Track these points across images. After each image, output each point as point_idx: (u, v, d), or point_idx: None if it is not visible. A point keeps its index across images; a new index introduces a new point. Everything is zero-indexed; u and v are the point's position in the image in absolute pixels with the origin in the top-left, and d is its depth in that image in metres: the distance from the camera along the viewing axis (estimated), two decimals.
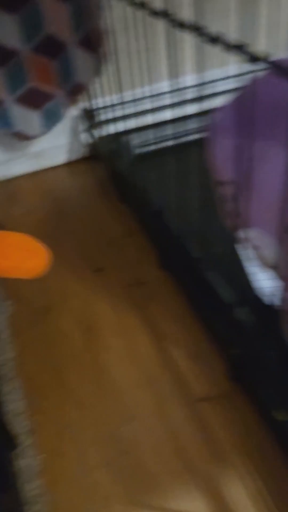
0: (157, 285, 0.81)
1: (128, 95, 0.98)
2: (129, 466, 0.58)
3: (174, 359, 0.68)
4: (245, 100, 0.48)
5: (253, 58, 0.35)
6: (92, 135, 1.09)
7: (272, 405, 0.53)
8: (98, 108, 1.05)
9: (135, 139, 1.03)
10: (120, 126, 0.98)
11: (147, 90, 1.06)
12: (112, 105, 0.97)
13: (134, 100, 0.95)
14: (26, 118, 0.96)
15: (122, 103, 0.87)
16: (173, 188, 0.76)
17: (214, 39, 0.40)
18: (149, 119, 0.97)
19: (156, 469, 0.57)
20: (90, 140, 1.12)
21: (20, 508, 0.48)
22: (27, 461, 0.59)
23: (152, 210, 0.79)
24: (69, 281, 0.83)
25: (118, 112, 0.98)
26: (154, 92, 1.06)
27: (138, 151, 1.03)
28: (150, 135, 1.03)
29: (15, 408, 0.64)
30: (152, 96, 1.01)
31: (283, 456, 0.56)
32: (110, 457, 0.59)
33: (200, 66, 0.80)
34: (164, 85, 1.06)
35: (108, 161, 1.02)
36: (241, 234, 0.48)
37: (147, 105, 1.03)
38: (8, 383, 0.67)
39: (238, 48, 0.36)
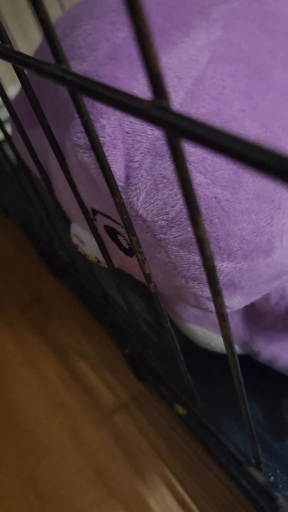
0: (54, 297, 0.74)
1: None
2: (56, 509, 0.52)
3: (81, 375, 0.63)
4: (20, 95, 0.42)
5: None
6: None
7: (173, 400, 0.48)
8: None
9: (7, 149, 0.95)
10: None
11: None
12: None
13: None
14: None
15: None
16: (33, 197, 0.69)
17: None
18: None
19: (80, 504, 0.52)
20: None
21: None
22: None
23: (22, 221, 0.73)
24: None
25: None
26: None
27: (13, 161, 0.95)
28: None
29: None
30: None
31: (198, 451, 0.51)
32: (32, 507, 0.53)
33: None
34: None
35: None
36: (71, 230, 0.42)
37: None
38: None
39: None
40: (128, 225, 0.29)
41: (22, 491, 0.54)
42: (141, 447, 0.53)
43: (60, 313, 0.71)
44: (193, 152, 0.28)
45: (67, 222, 0.44)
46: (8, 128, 0.83)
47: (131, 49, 0.29)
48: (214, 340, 0.46)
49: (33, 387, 0.64)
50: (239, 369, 0.28)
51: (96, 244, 0.39)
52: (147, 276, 0.31)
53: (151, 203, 0.29)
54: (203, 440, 0.44)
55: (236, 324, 0.45)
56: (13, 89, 1.00)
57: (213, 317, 0.45)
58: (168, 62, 0.28)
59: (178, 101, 0.28)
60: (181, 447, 0.52)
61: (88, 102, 0.29)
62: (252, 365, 0.47)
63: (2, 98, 0.38)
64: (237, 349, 0.47)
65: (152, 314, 0.57)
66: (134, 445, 0.54)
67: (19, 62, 0.26)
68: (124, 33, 0.30)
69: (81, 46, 0.31)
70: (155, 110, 0.17)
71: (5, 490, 0.55)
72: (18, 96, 0.42)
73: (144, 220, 0.30)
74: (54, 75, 0.23)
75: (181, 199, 0.29)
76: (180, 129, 0.16)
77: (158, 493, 0.50)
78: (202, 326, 0.46)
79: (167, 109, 0.17)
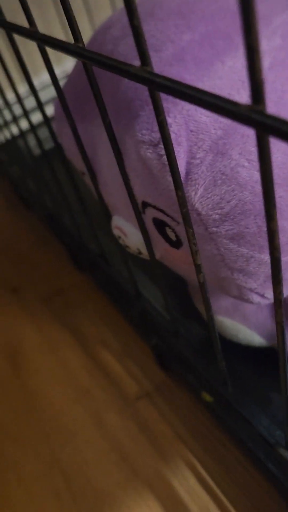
0: (77, 289, 0.77)
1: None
2: (78, 491, 0.54)
3: (104, 364, 0.65)
4: (72, 83, 0.44)
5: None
6: None
7: (200, 387, 0.50)
8: None
9: (31, 140, 0.96)
10: (13, 130, 0.91)
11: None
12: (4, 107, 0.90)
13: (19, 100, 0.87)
14: None
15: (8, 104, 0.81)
16: (69, 188, 0.71)
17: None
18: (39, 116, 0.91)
19: (105, 485, 0.54)
20: None
21: None
22: None
23: (48, 213, 0.75)
24: None
25: (8, 115, 0.91)
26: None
27: (35, 152, 0.96)
28: (45, 132, 0.97)
29: None
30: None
31: (220, 438, 0.53)
32: (58, 487, 0.55)
33: None
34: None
35: (5, 169, 0.96)
36: (112, 223, 0.45)
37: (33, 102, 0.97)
38: None
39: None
40: (186, 218, 0.31)
41: (48, 473, 0.56)
42: (164, 433, 0.56)
43: (82, 305, 0.74)
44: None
45: (105, 216, 0.47)
46: (33, 118, 0.84)
47: (196, 52, 0.31)
48: (242, 331, 0.49)
49: (57, 375, 0.66)
50: (286, 350, 0.30)
51: (139, 236, 0.41)
52: (198, 267, 0.34)
53: (208, 197, 0.32)
54: (229, 425, 0.46)
55: (265, 317, 0.47)
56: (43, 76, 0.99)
57: (243, 309, 0.47)
58: (232, 66, 0.30)
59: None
60: (203, 434, 0.54)
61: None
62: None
63: (58, 94, 0.40)
64: (264, 341, 0.49)
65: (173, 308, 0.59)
66: (157, 431, 0.56)
67: (100, 62, 0.28)
68: (188, 36, 0.32)
69: None
70: (253, 114, 0.19)
71: (32, 471, 0.57)
72: (66, 92, 0.44)
73: (199, 214, 0.33)
74: (140, 77, 0.25)
75: (237, 195, 0.31)
76: (270, 128, 0.19)
77: (182, 475, 0.52)
78: (232, 318, 0.48)
79: (263, 113, 0.19)
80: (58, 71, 0.90)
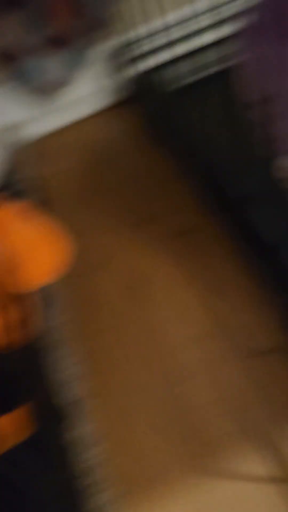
0: (207, 232, 0.74)
1: (157, 24, 0.88)
2: (185, 430, 0.56)
3: (226, 314, 0.64)
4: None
5: None
6: (123, 76, 1.00)
7: None
8: (130, 43, 0.95)
9: (170, 72, 0.92)
10: (153, 61, 0.87)
11: (175, 17, 0.94)
12: (144, 37, 0.87)
13: (166, 29, 0.83)
14: (48, 67, 0.89)
15: (158, 32, 0.76)
16: (215, 124, 0.67)
17: None
18: (182, 49, 0.87)
19: (212, 431, 0.55)
20: (121, 83, 1.03)
21: (76, 480, 0.48)
22: (83, 430, 0.59)
23: (192, 152, 0.72)
24: (114, 237, 0.80)
25: (149, 45, 0.88)
26: (186, 17, 0.93)
27: (175, 85, 0.92)
28: (185, 66, 0.92)
29: (69, 374, 0.64)
30: (184, 22, 0.89)
31: None
32: (166, 421, 0.57)
33: None
34: (200, 6, 0.93)
35: (143, 102, 0.94)
36: (282, 162, 0.41)
37: (179, 32, 0.91)
38: (59, 349, 0.67)
39: None
40: None
41: (162, 408, 0.58)
42: (276, 397, 0.55)
43: (211, 249, 0.72)
44: None
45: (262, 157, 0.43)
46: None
47: None
48: None
49: (180, 313, 0.66)
50: None
51: None
52: None
53: None
54: None
55: None
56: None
57: None
58: None
59: None
60: None
61: None
62: None
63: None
64: None
65: None
66: (272, 392, 0.55)
67: None
68: None
69: None
70: None
71: (143, 400, 0.59)
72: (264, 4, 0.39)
73: None
74: None
75: None
76: None
77: None
78: None
79: None
80: None
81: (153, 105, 0.85)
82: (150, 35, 0.85)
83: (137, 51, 0.92)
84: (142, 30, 0.93)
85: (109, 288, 0.73)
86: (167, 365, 0.62)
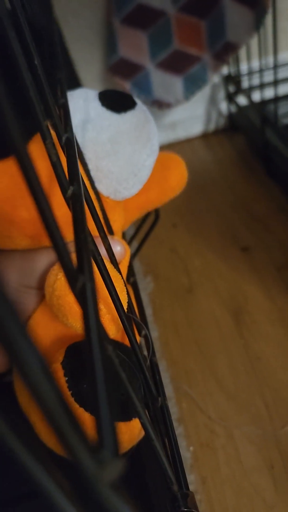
0: None
1: (280, 58, 0.88)
2: None
3: None
4: None
5: None
6: (234, 104, 1.00)
7: None
8: (245, 74, 0.95)
9: (284, 108, 0.92)
10: (268, 94, 0.87)
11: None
12: (261, 70, 0.88)
13: (278, 66, 0.83)
14: (168, 84, 0.90)
15: (275, 67, 0.77)
16: None
17: None
18: None
19: None
20: (231, 109, 1.03)
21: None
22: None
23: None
24: (212, 260, 0.76)
25: (267, 78, 0.88)
26: None
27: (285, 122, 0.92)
28: None
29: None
30: None
31: None
32: (272, 459, 0.51)
33: None
34: None
35: (253, 132, 0.93)
36: None
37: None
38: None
39: None
40: None
41: (264, 445, 0.53)
42: None
43: None
44: None
45: None
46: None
47: None
48: None
49: (284, 347, 0.62)
50: None
51: None
52: None
53: None
54: None
55: None
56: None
57: None
58: None
59: None
60: None
61: None
62: None
63: None
64: None
65: None
66: None
67: None
68: None
69: None
70: None
71: (244, 434, 0.54)
72: None
73: None
74: None
75: None
76: None
77: None
78: None
79: None
80: None
81: (265, 136, 0.84)
82: (262, 70, 0.87)
83: (256, 81, 0.92)
84: (255, 64, 0.94)
85: (207, 310, 0.69)
86: (274, 400, 0.56)
